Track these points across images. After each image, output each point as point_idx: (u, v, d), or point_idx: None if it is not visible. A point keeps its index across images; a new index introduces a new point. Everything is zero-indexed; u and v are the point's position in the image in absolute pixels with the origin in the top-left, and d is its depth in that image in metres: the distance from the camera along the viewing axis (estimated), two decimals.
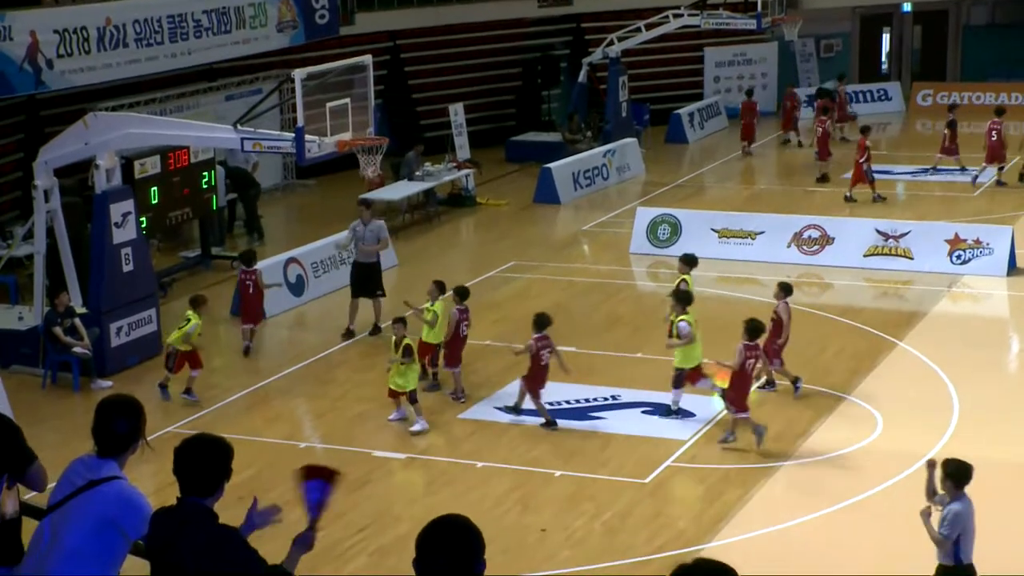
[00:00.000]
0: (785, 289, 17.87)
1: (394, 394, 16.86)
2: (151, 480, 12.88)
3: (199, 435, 6.57)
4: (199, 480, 6.35)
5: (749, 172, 34.24)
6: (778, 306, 17.74)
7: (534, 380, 16.77)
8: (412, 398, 16.73)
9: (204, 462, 6.37)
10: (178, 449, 6.41)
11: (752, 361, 15.99)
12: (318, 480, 6.63)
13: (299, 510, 6.68)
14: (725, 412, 16.27)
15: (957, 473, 11.08)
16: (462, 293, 18.12)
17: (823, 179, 30.96)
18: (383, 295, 20.51)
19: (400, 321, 16.87)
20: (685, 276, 18.71)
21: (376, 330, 20.35)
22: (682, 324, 16.77)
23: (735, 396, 15.94)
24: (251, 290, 20.11)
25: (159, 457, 7.73)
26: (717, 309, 21.88)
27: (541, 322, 16.83)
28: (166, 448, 7.36)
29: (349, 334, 20.33)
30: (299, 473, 6.69)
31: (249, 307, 20.13)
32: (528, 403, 16.86)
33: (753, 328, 16.09)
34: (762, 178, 33.57)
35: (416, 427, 16.64)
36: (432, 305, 18.01)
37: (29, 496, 7.64)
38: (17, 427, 7.54)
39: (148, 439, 6.99)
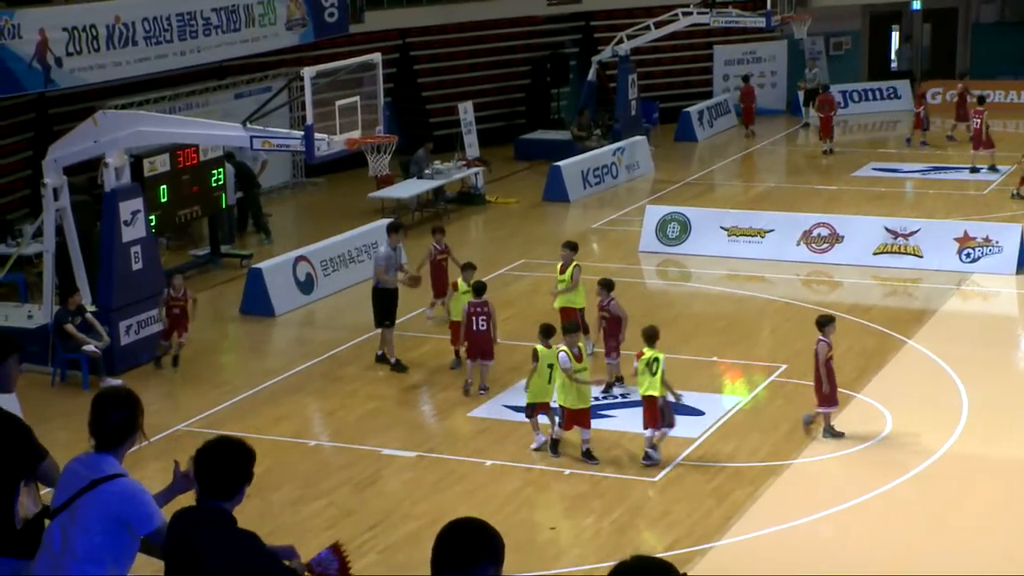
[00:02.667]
0: (605, 286, 17.83)
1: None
2: (163, 478, 12.87)
3: (220, 438, 6.49)
4: (219, 483, 6.30)
5: (758, 170, 34.20)
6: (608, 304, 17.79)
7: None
8: (528, 412, 15.98)
9: (224, 465, 6.31)
10: (199, 451, 6.35)
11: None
12: (336, 562, 6.64)
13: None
14: (733, 411, 16.23)
15: None
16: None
17: (992, 169, 30.68)
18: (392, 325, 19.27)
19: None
20: (576, 263, 18.98)
21: (400, 366, 18.89)
22: (562, 356, 15.59)
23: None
24: (477, 326, 17.84)
25: (169, 455, 7.76)
26: (725, 307, 21.91)
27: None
28: (175, 448, 7.36)
29: (398, 365, 18.84)
30: (334, 545, 6.72)
31: (480, 340, 17.87)
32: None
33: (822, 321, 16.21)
34: (771, 176, 33.51)
35: (534, 444, 16.00)
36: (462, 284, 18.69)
37: (44, 491, 7.65)
38: (27, 426, 7.57)
39: (151, 437, 6.98)
